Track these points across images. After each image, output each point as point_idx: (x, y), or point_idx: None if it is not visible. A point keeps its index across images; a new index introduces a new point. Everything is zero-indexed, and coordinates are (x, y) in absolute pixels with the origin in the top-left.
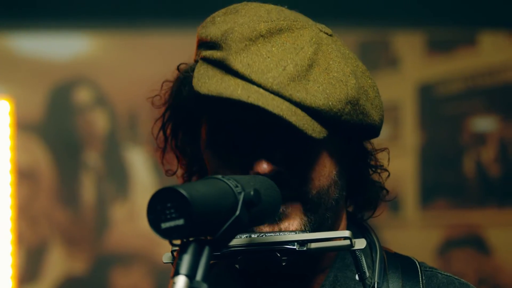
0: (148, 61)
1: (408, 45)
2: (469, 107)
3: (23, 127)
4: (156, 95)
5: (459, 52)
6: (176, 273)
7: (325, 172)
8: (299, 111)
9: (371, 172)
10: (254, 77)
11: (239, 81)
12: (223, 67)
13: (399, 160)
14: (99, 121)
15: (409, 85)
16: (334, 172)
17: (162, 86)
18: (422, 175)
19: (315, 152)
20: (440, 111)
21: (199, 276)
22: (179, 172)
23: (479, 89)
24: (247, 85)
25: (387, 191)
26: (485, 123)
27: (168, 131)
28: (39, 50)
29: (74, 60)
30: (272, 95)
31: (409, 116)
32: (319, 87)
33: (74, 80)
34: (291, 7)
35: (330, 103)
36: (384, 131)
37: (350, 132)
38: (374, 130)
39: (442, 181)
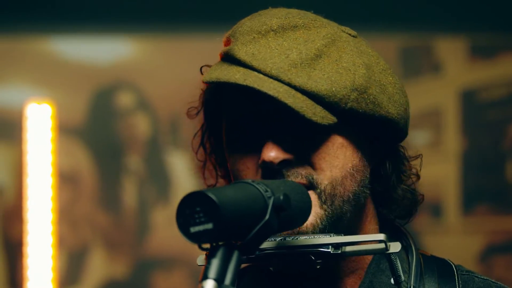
0: (191, 65)
1: (450, 50)
2: (511, 113)
3: (65, 130)
4: (191, 107)
5: (501, 57)
6: (205, 277)
7: (338, 163)
8: (299, 94)
9: (403, 177)
10: (255, 63)
11: (240, 68)
12: (229, 58)
13: (441, 166)
14: (140, 125)
15: (452, 90)
16: (350, 165)
17: (200, 97)
18: (464, 181)
19: (325, 141)
20: (482, 117)
21: (227, 280)
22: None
23: None
24: (247, 71)
25: (416, 195)
26: None
27: (207, 145)
28: (81, 54)
29: (116, 64)
30: (270, 79)
31: (451, 122)
32: (324, 75)
33: (116, 84)
34: (333, 12)
35: (333, 88)
36: (427, 137)
37: (365, 124)
38: (393, 125)
39: (484, 187)
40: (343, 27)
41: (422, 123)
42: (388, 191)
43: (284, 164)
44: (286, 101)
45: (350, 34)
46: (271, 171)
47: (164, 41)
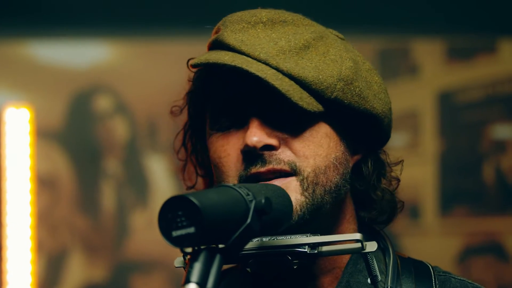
0: (168, 69)
1: (428, 52)
2: (488, 114)
3: (43, 134)
4: (174, 106)
5: (478, 59)
6: (187, 281)
7: (322, 152)
8: (286, 79)
9: (383, 181)
10: (244, 48)
11: (229, 52)
12: (218, 45)
13: (419, 168)
14: (119, 129)
15: (429, 92)
16: (333, 156)
17: (184, 98)
18: (442, 182)
19: (309, 128)
20: (459, 119)
21: (210, 284)
22: (200, 187)
23: (499, 97)
24: (236, 54)
25: (395, 199)
26: (504, 131)
27: (189, 145)
28: (59, 58)
29: (94, 67)
30: (259, 63)
31: (428, 124)
32: (311, 63)
33: (94, 88)
34: (311, 14)
35: (320, 76)
36: (404, 139)
37: (350, 116)
38: (377, 122)
39: (462, 188)
40: (330, 30)
41: (400, 125)
42: (368, 191)
43: (266, 149)
44: (274, 83)
45: (337, 36)
46: (253, 155)
47: (142, 45)
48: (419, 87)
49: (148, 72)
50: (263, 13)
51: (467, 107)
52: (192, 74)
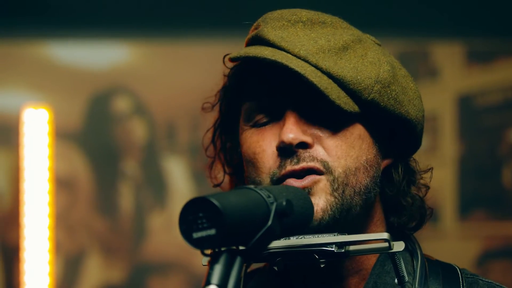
0: (187, 71)
1: (447, 56)
2: (508, 118)
3: (62, 135)
4: (206, 102)
5: (498, 63)
6: (207, 283)
7: (353, 154)
8: (325, 77)
9: (413, 188)
10: (283, 44)
11: (269, 47)
12: (257, 40)
13: (438, 171)
14: (137, 130)
15: (448, 96)
16: (364, 158)
17: (216, 95)
18: (461, 186)
19: (344, 129)
20: (479, 122)
21: (230, 286)
22: (225, 186)
23: None
24: (276, 50)
25: (425, 206)
26: None
27: (218, 142)
28: (78, 59)
29: (113, 69)
30: (298, 59)
31: (448, 127)
32: (350, 64)
33: (113, 89)
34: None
35: (358, 77)
36: (423, 142)
37: (384, 119)
38: (411, 127)
39: (481, 192)
40: (367, 35)
41: None
42: (398, 196)
43: (301, 146)
44: (313, 80)
45: (374, 41)
46: (288, 152)
47: (161, 46)
48: (438, 90)
49: (167, 73)
50: (303, 13)
51: (486, 111)
52: (226, 70)
